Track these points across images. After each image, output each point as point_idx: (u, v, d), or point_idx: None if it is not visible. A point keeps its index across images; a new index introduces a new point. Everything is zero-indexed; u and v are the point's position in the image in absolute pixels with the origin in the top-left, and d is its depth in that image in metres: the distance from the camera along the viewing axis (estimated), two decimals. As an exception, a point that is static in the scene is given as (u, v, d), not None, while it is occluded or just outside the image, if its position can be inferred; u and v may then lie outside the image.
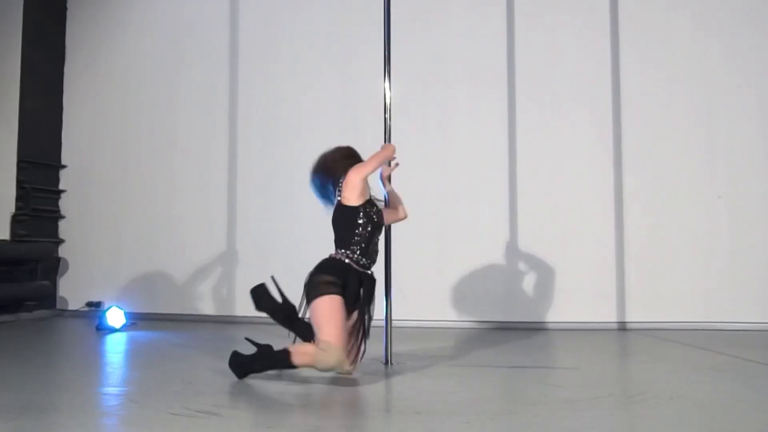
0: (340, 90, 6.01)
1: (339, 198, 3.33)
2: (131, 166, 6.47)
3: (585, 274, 5.49)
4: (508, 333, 5.30)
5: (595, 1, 5.68)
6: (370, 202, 3.37)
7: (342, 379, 3.27)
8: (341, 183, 3.32)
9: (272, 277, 3.34)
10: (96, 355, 4.36)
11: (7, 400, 2.82)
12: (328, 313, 3.08)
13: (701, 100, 5.51)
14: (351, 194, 3.28)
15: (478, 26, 5.85)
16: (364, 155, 3.52)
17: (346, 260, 3.25)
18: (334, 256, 3.28)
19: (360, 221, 3.28)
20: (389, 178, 3.72)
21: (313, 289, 3.15)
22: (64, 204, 6.61)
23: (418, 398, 2.91)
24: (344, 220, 3.29)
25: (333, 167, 3.39)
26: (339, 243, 3.30)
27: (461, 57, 5.86)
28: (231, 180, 6.19)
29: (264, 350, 3.23)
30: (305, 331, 3.26)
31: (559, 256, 5.54)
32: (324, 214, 3.49)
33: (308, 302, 3.18)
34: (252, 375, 3.20)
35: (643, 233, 5.48)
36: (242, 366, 3.20)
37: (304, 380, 3.18)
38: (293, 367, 3.14)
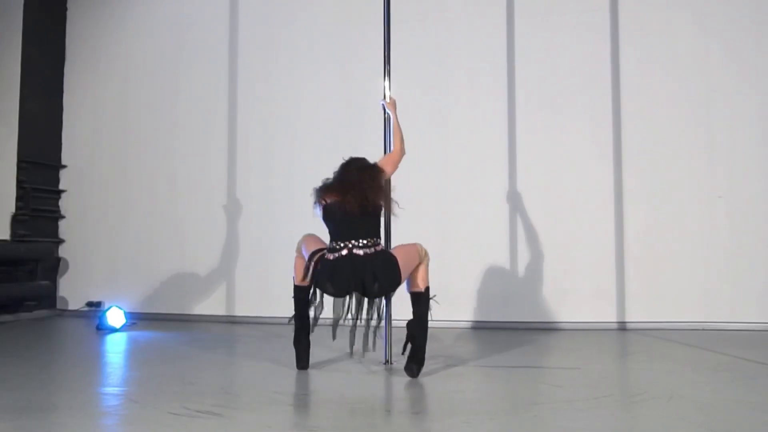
0: (340, 90, 6.01)
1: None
2: (131, 166, 6.47)
3: (585, 274, 5.49)
4: (508, 333, 5.30)
5: (595, 1, 5.69)
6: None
7: (342, 379, 3.28)
8: None
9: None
10: (96, 355, 4.35)
11: (7, 400, 2.82)
12: (404, 248, 3.51)
13: (701, 100, 5.51)
14: None
15: (478, 26, 5.84)
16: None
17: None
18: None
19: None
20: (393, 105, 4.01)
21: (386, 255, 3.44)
22: (64, 204, 6.61)
23: (418, 398, 2.92)
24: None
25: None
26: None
27: (461, 57, 5.85)
28: (231, 179, 6.19)
29: (414, 324, 3.42)
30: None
31: (559, 256, 5.54)
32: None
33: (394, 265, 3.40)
34: (251, 372, 3.19)
35: (643, 233, 5.48)
36: (423, 356, 3.39)
37: (304, 380, 3.18)
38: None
